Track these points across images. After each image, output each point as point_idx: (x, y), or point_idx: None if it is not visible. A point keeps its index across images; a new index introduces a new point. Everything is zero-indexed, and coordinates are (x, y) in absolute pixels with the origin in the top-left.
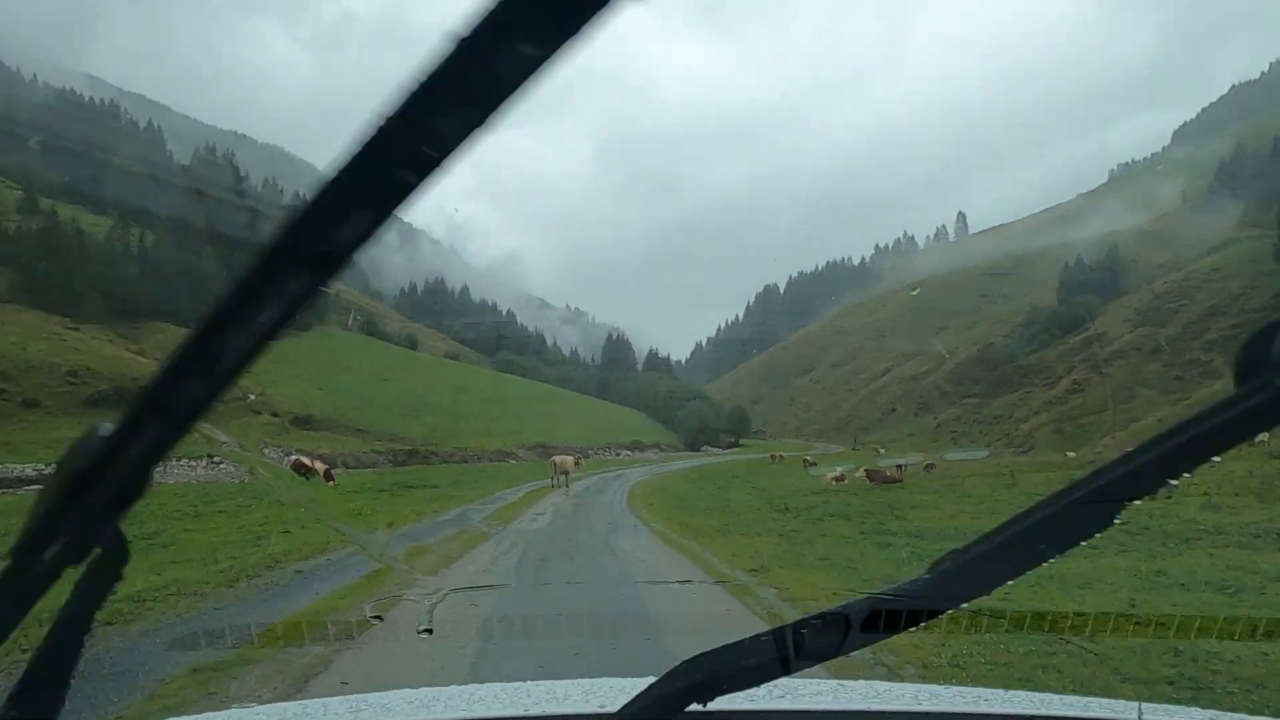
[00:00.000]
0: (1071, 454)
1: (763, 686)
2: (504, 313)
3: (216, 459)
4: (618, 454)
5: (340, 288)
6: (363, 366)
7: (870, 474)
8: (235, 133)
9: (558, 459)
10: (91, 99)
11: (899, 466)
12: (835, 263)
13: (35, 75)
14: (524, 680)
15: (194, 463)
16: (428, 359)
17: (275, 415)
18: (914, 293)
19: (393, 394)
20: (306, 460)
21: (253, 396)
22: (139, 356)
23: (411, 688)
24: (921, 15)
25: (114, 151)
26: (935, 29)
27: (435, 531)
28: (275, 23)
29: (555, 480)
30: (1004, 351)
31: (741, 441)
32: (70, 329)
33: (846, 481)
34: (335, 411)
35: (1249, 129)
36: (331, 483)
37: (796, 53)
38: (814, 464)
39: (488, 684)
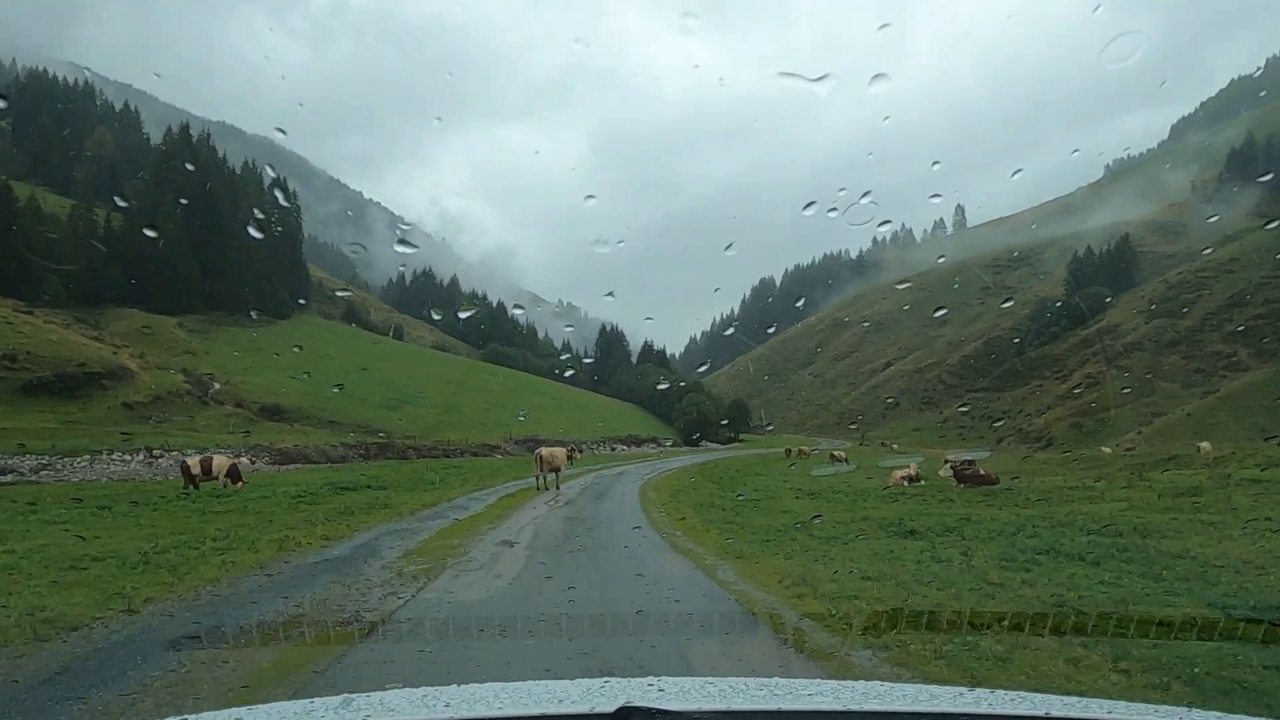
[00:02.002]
0: (1106, 449)
1: (763, 686)
2: (494, 304)
3: (156, 452)
4: (613, 448)
5: (324, 277)
6: (342, 355)
7: (959, 472)
8: (224, 123)
9: (545, 451)
10: (65, 79)
11: (966, 462)
12: (832, 255)
13: (14, 60)
14: (524, 680)
15: (128, 456)
16: (413, 349)
17: (240, 405)
18: (902, 286)
19: (372, 384)
20: (193, 463)
21: (217, 385)
22: (95, 342)
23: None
24: (921, 12)
25: (86, 133)
26: (935, 26)
27: (268, 601)
28: (264, 13)
29: (541, 480)
30: (1010, 344)
31: (741, 436)
32: (21, 312)
33: (922, 482)
34: (308, 401)
35: (1258, 119)
36: (239, 485)
37: (795, 48)
38: (843, 459)
39: (488, 684)
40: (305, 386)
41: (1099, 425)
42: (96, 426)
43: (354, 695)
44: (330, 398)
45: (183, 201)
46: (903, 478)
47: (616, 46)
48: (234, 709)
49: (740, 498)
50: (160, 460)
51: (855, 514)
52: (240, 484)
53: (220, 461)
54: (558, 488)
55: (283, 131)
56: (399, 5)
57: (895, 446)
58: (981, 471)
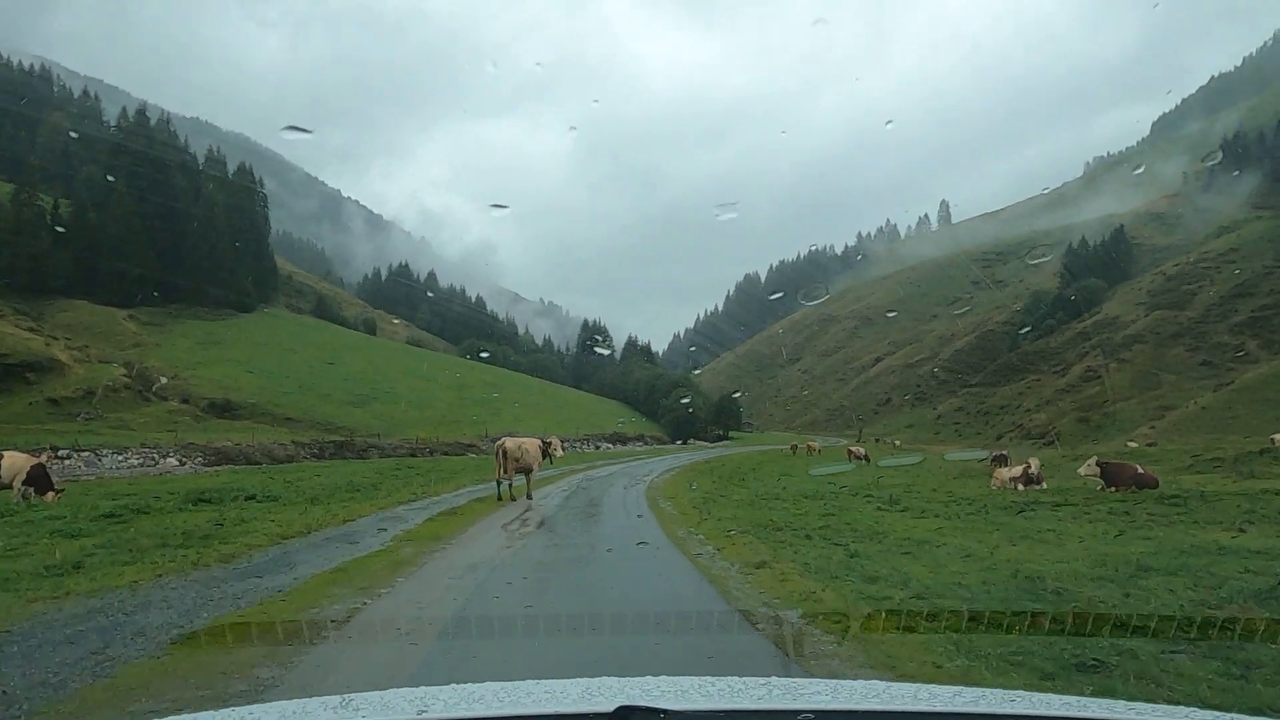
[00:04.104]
0: (1133, 444)
1: (762, 686)
2: (473, 299)
3: (63, 453)
4: (597, 446)
5: (294, 270)
6: (307, 349)
7: (1107, 469)
8: (198, 119)
9: (510, 444)
10: (20, 64)
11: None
12: (818, 251)
13: None
14: (524, 680)
15: (34, 454)
16: (385, 344)
17: (185, 402)
18: (890, 280)
19: (338, 379)
20: None
21: (164, 379)
22: (26, 333)
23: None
24: (907, 10)
25: (41, 118)
26: (921, 24)
27: None
28: (240, 3)
29: (504, 484)
30: (1004, 338)
31: (731, 434)
32: None
33: (1044, 485)
34: (264, 397)
35: (1242, 114)
36: (50, 496)
37: (783, 45)
38: (863, 456)
39: (487, 683)
40: (262, 382)
41: (1105, 420)
42: (11, 424)
43: (353, 695)
44: (289, 394)
45: (133, 187)
46: (1014, 479)
47: (604, 40)
48: (232, 709)
49: (868, 499)
50: (68, 461)
51: (1056, 549)
52: (52, 494)
53: (13, 462)
54: (528, 496)
55: (301, 132)
56: None
57: (897, 443)
58: (1140, 470)
